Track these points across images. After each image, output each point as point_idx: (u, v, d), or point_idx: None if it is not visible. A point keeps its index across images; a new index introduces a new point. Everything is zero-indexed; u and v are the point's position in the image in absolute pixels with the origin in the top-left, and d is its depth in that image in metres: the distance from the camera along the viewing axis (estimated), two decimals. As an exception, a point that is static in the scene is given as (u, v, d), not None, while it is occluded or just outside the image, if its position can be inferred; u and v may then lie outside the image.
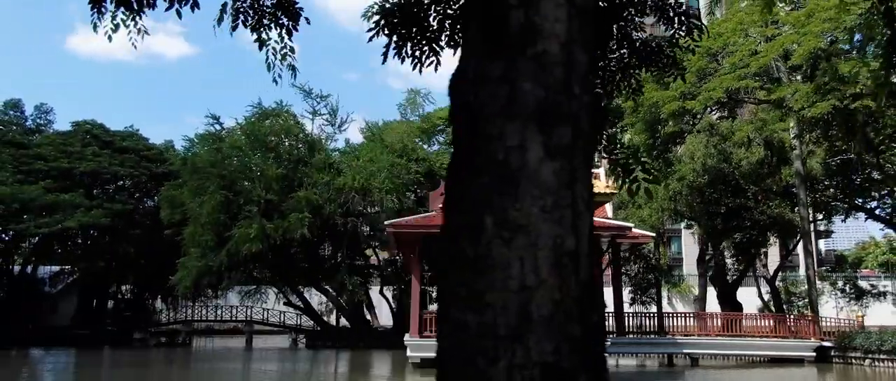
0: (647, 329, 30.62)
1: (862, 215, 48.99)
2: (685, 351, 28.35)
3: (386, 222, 27.39)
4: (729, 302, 41.09)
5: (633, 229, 27.29)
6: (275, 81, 7.32)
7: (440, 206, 28.77)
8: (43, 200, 41.35)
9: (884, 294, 47.46)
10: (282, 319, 48.82)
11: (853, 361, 27.10)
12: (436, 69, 7.06)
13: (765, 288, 47.68)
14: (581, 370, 1.79)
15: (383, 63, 6.89)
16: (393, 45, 6.83)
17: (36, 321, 44.83)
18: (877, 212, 47.77)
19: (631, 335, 29.03)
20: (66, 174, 45.05)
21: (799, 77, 24.84)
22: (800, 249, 58.90)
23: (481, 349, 1.81)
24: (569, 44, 1.95)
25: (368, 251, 46.98)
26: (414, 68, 6.84)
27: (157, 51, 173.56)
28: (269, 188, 38.76)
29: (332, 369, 31.46)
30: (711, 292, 44.54)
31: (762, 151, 32.79)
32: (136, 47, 7.07)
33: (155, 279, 49.38)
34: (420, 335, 25.73)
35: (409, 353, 26.20)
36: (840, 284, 47.08)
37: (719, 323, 29.63)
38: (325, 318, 47.88)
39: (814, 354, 28.20)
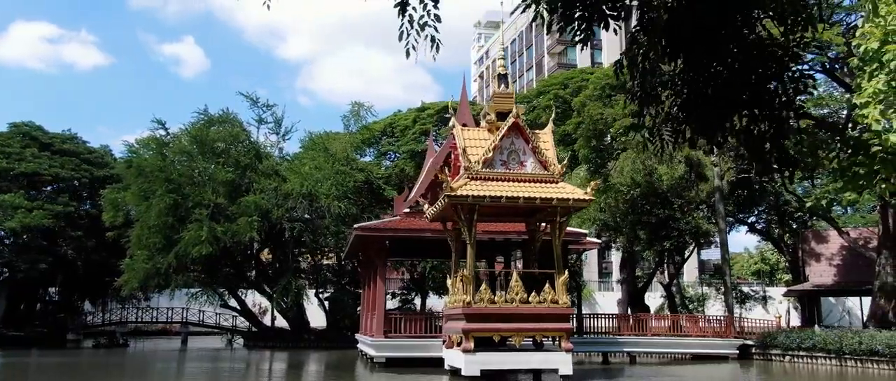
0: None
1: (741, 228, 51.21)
2: (625, 350, 28.10)
3: (355, 226, 25.82)
4: (638, 305, 41.67)
5: (587, 237, 26.94)
6: (407, 53, 5.94)
7: (405, 211, 27.65)
8: (-18, 200, 37.67)
9: (765, 299, 49.57)
10: (217, 320, 46.46)
11: (773, 358, 27.49)
12: (582, 48, 6.14)
13: (660, 292, 48.85)
14: None
15: (547, 33, 5.93)
16: (547, 21, 5.89)
17: (-36, 322, 40.93)
18: (755, 226, 49.89)
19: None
20: (3, 175, 41.19)
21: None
22: (694, 257, 61.11)
23: None
24: None
25: (306, 255, 45.25)
26: (576, 43, 5.90)
27: (68, 60, 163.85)
28: (217, 192, 36.62)
29: (292, 366, 29.28)
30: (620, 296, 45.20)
31: (683, 168, 33.16)
32: (268, 8, 5.81)
33: (88, 281, 45.99)
34: (385, 335, 24.23)
35: (373, 353, 24.43)
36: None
37: (651, 324, 29.63)
38: (259, 319, 45.62)
39: (737, 351, 28.50)
